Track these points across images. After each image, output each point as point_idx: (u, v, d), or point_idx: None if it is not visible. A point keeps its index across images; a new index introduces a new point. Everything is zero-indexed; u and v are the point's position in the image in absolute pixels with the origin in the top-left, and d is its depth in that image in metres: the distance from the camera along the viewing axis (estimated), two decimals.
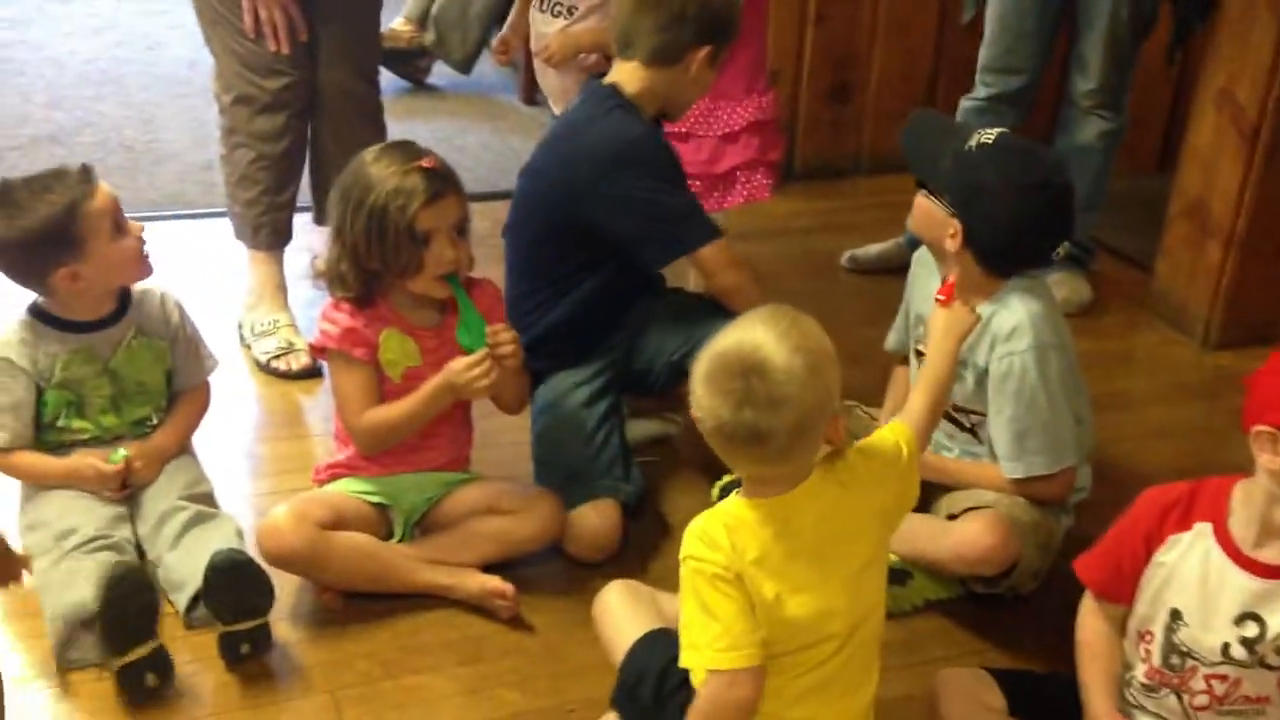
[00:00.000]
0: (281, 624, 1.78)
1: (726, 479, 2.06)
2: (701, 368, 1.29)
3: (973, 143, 1.80)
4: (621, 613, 1.56)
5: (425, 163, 1.77)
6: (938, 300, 1.67)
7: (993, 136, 1.81)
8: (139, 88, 4.09)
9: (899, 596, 1.87)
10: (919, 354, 1.94)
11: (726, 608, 1.29)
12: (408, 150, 1.81)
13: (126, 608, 1.59)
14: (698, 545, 1.31)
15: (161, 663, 1.63)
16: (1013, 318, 1.79)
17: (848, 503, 1.36)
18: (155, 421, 1.94)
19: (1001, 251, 1.80)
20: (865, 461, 1.39)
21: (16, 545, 1.83)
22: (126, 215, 1.86)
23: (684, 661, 1.34)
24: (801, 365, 1.25)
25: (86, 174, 1.80)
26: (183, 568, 1.76)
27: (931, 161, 1.86)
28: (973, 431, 1.92)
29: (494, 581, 1.82)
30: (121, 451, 1.83)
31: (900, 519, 1.45)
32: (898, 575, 1.87)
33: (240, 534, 1.83)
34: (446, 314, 1.87)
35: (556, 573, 1.93)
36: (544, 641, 1.81)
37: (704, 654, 1.31)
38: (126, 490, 1.85)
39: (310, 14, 2.40)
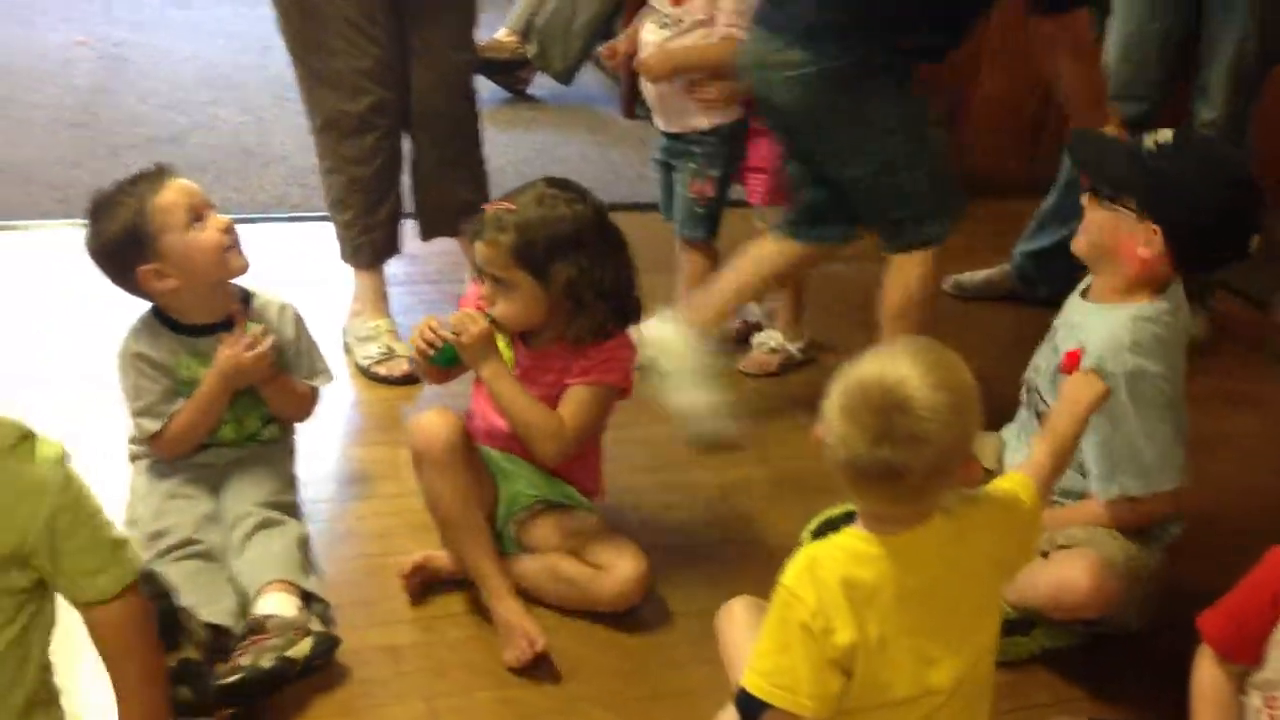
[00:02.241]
0: (378, 629, 1.79)
1: (819, 520, 2.02)
2: (839, 396, 1.25)
3: (1149, 144, 1.76)
4: (743, 631, 1.54)
5: None
6: (1062, 369, 1.63)
7: (1170, 135, 1.77)
8: (251, 91, 4.18)
9: (1019, 645, 1.82)
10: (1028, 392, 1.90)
11: (799, 653, 1.26)
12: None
13: None
14: (798, 578, 1.28)
15: (192, 676, 1.55)
16: (1112, 335, 1.74)
17: (965, 548, 1.32)
18: (265, 436, 1.96)
19: (1206, 249, 1.76)
20: (986, 508, 1.35)
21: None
22: (236, 216, 1.88)
23: (744, 680, 1.31)
24: (945, 403, 1.22)
25: (159, 172, 1.82)
26: (244, 574, 1.76)
27: (1108, 168, 1.81)
28: None
29: (528, 624, 1.75)
30: (257, 326, 1.86)
31: (1018, 569, 1.41)
32: (1019, 625, 1.82)
33: (304, 542, 1.83)
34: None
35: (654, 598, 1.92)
36: (638, 664, 1.79)
37: (761, 682, 1.28)
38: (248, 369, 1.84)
39: (403, 30, 2.41)
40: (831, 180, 2.23)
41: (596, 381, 1.82)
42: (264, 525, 1.82)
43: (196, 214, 1.81)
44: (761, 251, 2.35)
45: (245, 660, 1.57)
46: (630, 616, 1.86)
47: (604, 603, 1.84)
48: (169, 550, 1.74)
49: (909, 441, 1.20)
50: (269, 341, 1.85)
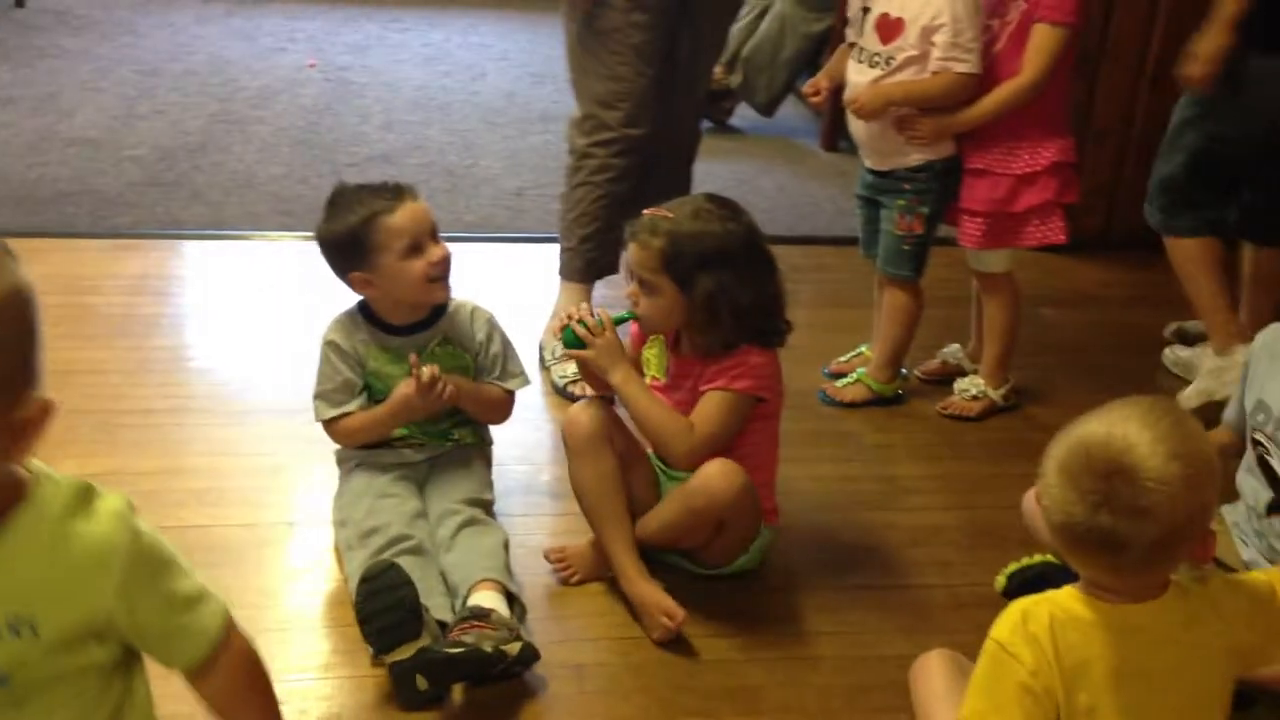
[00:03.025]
0: (564, 646, 1.80)
1: (1013, 567, 1.94)
2: (1059, 455, 1.19)
3: None
4: (941, 684, 1.49)
5: None
6: None
7: None
8: (460, 115, 4.35)
9: None
10: (1255, 443, 1.76)
11: (1016, 715, 1.19)
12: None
13: (377, 605, 1.62)
14: (1012, 635, 1.22)
15: (431, 666, 1.61)
16: None
17: (1198, 632, 1.23)
18: (455, 436, 2.02)
19: None
20: (1229, 593, 1.26)
21: (331, 540, 1.97)
22: (444, 235, 1.94)
23: None
24: (1177, 474, 1.13)
25: (397, 191, 1.89)
26: (455, 569, 1.81)
27: None
28: None
29: (668, 601, 1.81)
30: (427, 369, 1.90)
31: (1263, 662, 1.30)
32: (1239, 699, 1.69)
33: (507, 545, 1.87)
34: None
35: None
36: (823, 704, 1.74)
37: None
38: (431, 395, 1.89)
39: (671, 58, 2.49)
40: None
41: (724, 387, 1.84)
42: (471, 523, 1.88)
43: (418, 242, 1.88)
44: None
45: (468, 638, 1.63)
46: (819, 657, 1.82)
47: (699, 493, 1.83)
48: (384, 547, 1.80)
49: (1132, 513, 1.13)
50: (445, 388, 1.90)
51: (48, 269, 2.86)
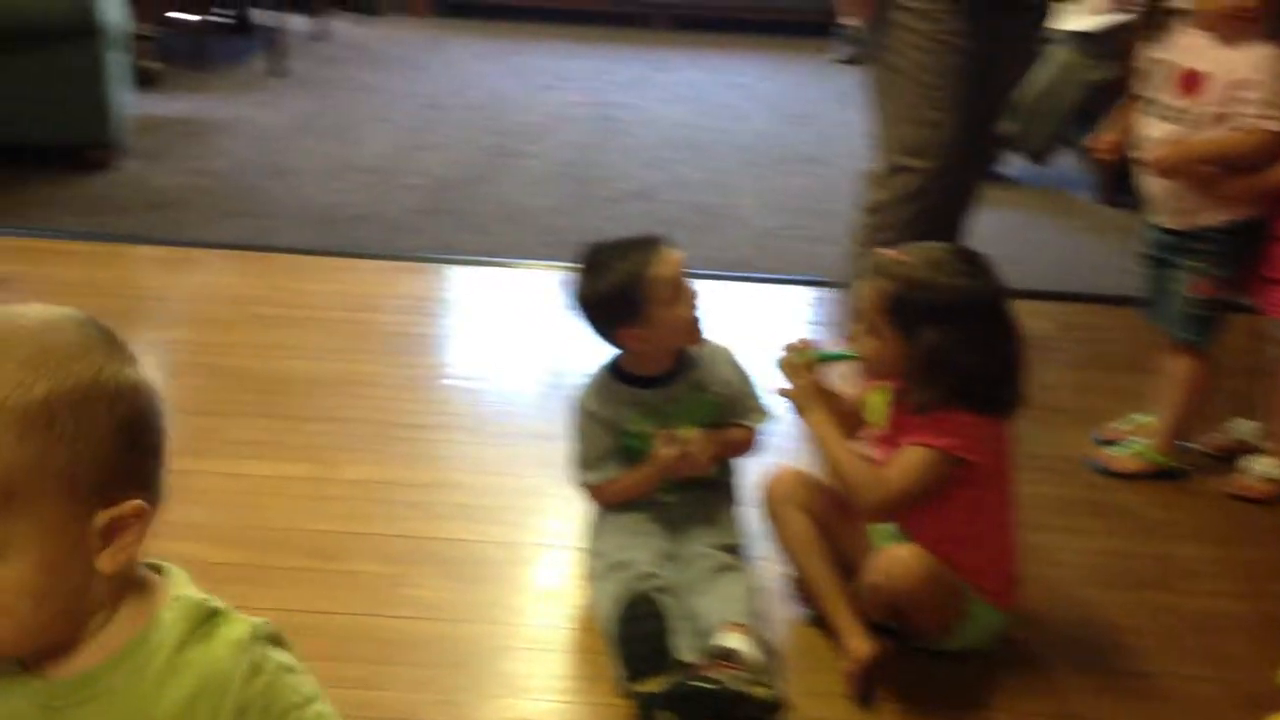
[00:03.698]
0: (811, 700, 1.75)
1: None
2: None
3: None
4: None
5: None
6: None
7: None
8: (717, 154, 4.40)
9: None
10: None
11: None
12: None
13: (633, 634, 1.64)
14: None
15: (677, 701, 1.62)
16: None
17: None
18: (709, 472, 2.01)
19: None
20: None
21: (580, 567, 2.00)
22: (695, 273, 1.94)
23: None
24: None
25: (654, 243, 1.91)
26: (705, 612, 1.80)
27: None
28: None
29: (867, 647, 1.78)
30: (679, 447, 1.91)
31: None
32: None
33: (757, 590, 1.86)
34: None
35: None
36: None
37: None
38: (686, 468, 1.92)
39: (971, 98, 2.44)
40: None
41: (923, 443, 1.74)
42: (724, 568, 1.87)
43: (677, 287, 1.91)
44: None
45: (717, 675, 1.63)
46: None
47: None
48: (631, 581, 1.81)
49: None
50: (700, 456, 1.91)
51: (337, 286, 3.07)
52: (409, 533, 2.09)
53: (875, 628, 1.82)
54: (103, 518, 0.81)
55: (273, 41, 5.23)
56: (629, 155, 4.34)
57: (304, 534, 2.06)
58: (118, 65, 3.77)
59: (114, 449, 0.81)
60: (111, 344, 0.84)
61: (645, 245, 1.91)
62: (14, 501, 0.78)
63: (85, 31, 3.60)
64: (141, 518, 0.83)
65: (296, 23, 5.59)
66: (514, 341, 2.91)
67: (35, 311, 0.83)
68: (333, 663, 1.69)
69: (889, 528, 1.83)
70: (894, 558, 1.75)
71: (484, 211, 3.71)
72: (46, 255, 3.20)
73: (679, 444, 1.90)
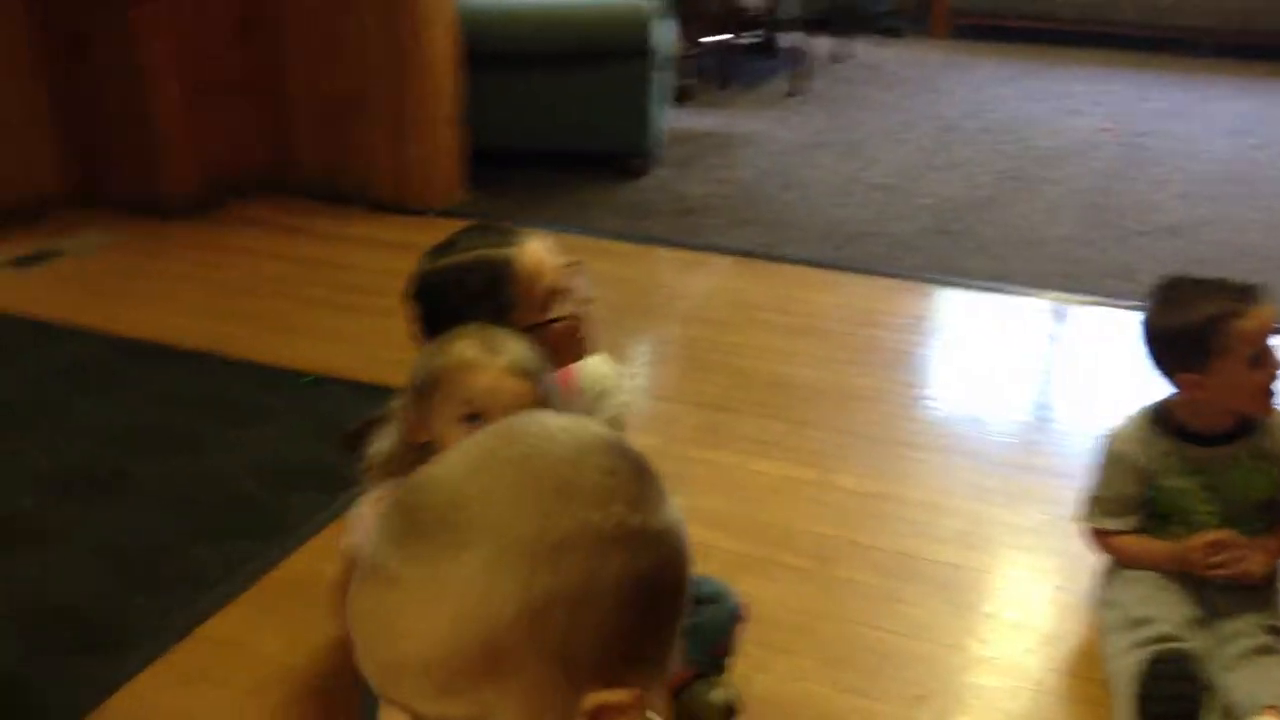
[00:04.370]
0: None
1: None
2: None
3: None
4: None
5: None
6: None
7: None
8: (1271, 193, 3.94)
9: None
10: None
11: None
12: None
13: (1163, 692, 1.51)
14: None
15: None
16: None
17: None
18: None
19: None
20: None
21: (1092, 616, 1.86)
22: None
23: None
24: None
25: (1247, 291, 1.72)
26: (1238, 691, 1.61)
27: None
28: None
29: None
30: (1231, 537, 1.73)
31: None
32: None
33: None
34: None
35: None
36: None
37: None
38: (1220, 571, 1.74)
39: None
40: None
41: None
42: (1265, 651, 1.67)
43: (1258, 346, 1.71)
44: None
45: None
46: None
47: None
48: (1152, 640, 1.67)
49: None
50: (1256, 564, 1.73)
51: (842, 299, 3.11)
52: (907, 550, 2.06)
53: None
54: (591, 700, 0.65)
55: (796, 62, 5.44)
56: (1161, 187, 4.01)
57: (807, 536, 2.09)
58: (661, 83, 4.10)
59: (622, 615, 0.65)
60: (642, 479, 0.69)
61: (1237, 290, 1.73)
62: (504, 664, 0.64)
63: (639, 52, 3.94)
64: (636, 707, 0.67)
65: (819, 44, 5.76)
66: (1017, 371, 2.78)
67: (566, 432, 0.69)
68: (828, 668, 1.72)
69: None
70: None
71: (994, 236, 3.59)
72: (592, 252, 3.53)
73: (1224, 552, 1.72)
